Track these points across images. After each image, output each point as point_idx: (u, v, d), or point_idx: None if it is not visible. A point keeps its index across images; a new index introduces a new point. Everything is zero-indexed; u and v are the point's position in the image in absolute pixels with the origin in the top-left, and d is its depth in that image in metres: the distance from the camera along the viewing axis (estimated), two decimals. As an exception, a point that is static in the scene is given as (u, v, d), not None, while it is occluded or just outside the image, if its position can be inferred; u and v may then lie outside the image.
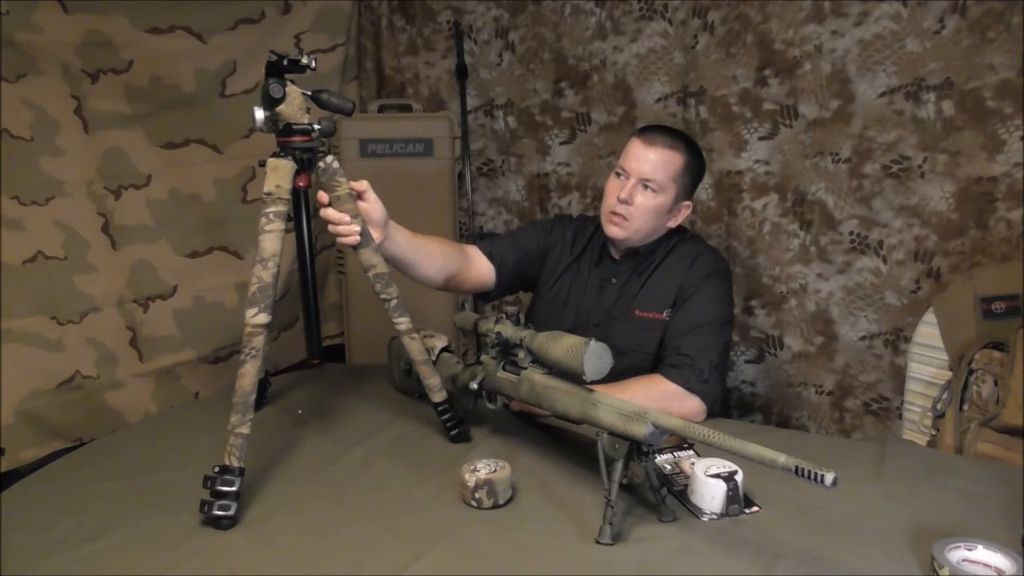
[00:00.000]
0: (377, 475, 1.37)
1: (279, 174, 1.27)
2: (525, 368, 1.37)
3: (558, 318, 1.76)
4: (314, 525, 1.21)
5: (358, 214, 1.36)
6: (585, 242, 1.81)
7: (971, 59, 1.79)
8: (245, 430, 1.23)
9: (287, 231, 1.29)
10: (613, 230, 1.69)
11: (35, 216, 2.08)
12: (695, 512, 1.22)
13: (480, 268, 1.73)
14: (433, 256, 1.59)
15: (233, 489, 1.20)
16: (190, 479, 1.24)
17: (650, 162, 1.64)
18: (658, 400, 1.46)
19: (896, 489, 1.29)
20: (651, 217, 1.67)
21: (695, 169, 1.72)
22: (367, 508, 1.25)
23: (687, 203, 1.73)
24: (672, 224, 1.73)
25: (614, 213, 1.67)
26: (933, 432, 1.73)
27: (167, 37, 2.24)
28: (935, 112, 1.86)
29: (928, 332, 1.81)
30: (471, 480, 1.24)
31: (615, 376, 1.28)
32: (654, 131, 1.70)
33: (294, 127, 1.28)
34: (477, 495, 1.23)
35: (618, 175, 1.69)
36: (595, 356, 1.19)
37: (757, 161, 2.14)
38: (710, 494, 1.21)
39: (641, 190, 1.65)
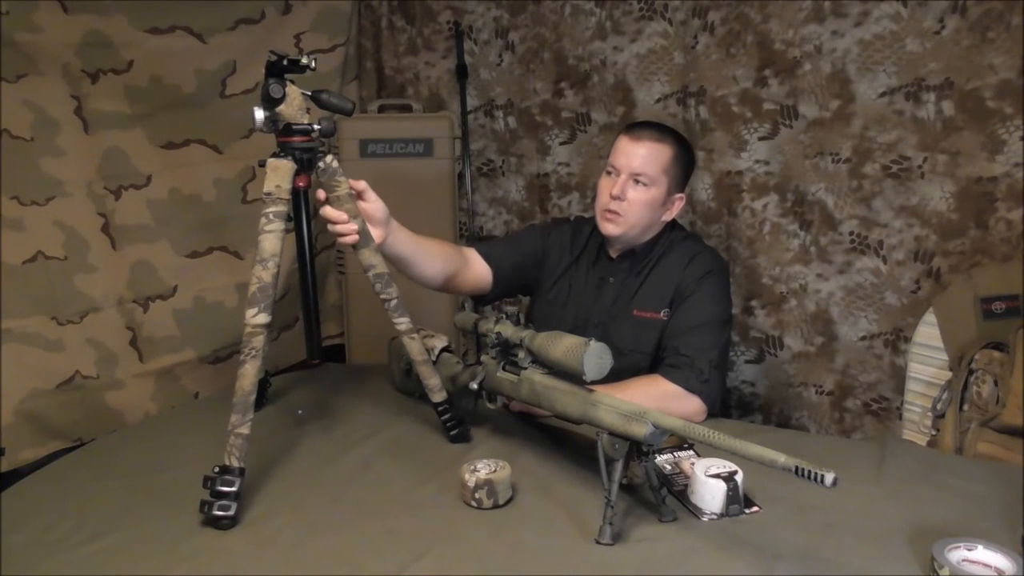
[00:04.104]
0: (377, 475, 1.37)
1: (279, 174, 1.27)
2: (525, 368, 1.37)
3: (558, 319, 1.76)
4: (314, 525, 1.21)
5: (358, 214, 1.37)
6: (583, 243, 1.82)
7: (971, 59, 1.79)
8: (245, 430, 1.23)
9: (287, 231, 1.29)
10: (609, 227, 1.70)
11: (35, 216, 2.08)
12: (695, 512, 1.22)
13: (477, 271, 1.73)
14: (433, 256, 1.60)
15: (233, 489, 1.20)
16: (190, 479, 1.24)
17: (639, 156, 1.66)
18: (658, 400, 1.46)
19: (896, 489, 1.29)
20: (645, 211, 1.68)
21: (684, 160, 1.74)
22: (367, 508, 1.25)
23: (680, 195, 1.74)
24: (667, 217, 1.74)
25: (608, 210, 1.69)
26: (933, 432, 1.73)
27: (167, 37, 2.24)
28: (935, 112, 1.86)
29: (928, 332, 1.81)
30: (471, 480, 1.24)
31: (614, 376, 1.28)
32: (640, 127, 1.73)
33: (294, 127, 1.28)
34: (477, 495, 1.23)
35: (609, 173, 1.71)
36: (595, 356, 1.19)
37: (757, 161, 2.14)
38: (710, 494, 1.21)
39: (632, 185, 1.66)
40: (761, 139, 2.12)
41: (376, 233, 1.42)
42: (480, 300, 1.83)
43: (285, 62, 1.25)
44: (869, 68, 1.93)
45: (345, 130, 2.45)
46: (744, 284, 2.23)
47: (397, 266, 1.53)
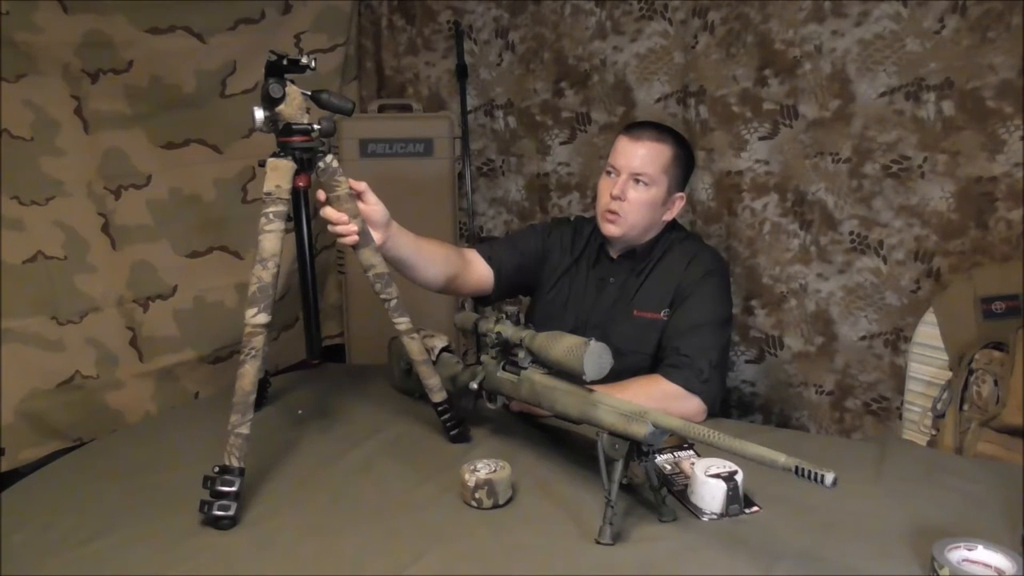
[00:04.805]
0: (377, 475, 1.37)
1: (279, 174, 1.27)
2: (525, 368, 1.37)
3: (558, 320, 1.76)
4: (314, 525, 1.21)
5: (358, 214, 1.36)
6: (583, 243, 1.82)
7: (971, 59, 1.80)
8: (245, 430, 1.23)
9: (287, 231, 1.29)
10: (610, 228, 1.70)
11: (35, 216, 2.08)
12: (695, 512, 1.22)
13: (479, 272, 1.73)
14: (434, 259, 1.59)
15: (233, 489, 1.20)
16: (190, 479, 1.24)
17: (639, 156, 1.66)
18: (658, 400, 1.46)
19: (896, 489, 1.29)
20: (646, 211, 1.68)
21: (684, 160, 1.74)
22: (367, 508, 1.25)
23: (680, 195, 1.74)
24: (667, 217, 1.74)
25: (609, 211, 1.68)
26: (933, 432, 1.73)
27: (167, 37, 2.24)
28: (935, 112, 1.86)
29: (928, 332, 1.81)
30: (471, 480, 1.24)
31: (614, 376, 1.28)
32: (640, 127, 1.73)
33: (294, 127, 1.28)
34: (477, 495, 1.23)
35: (609, 173, 1.71)
36: (595, 356, 1.19)
37: (757, 161, 2.14)
38: (710, 494, 1.21)
39: (633, 185, 1.66)
40: (761, 139, 2.12)
41: (376, 236, 1.41)
42: (482, 301, 1.83)
43: (285, 62, 1.25)
44: (869, 68, 1.93)
45: (345, 130, 2.45)
46: (744, 284, 2.23)
47: (397, 269, 1.52)
